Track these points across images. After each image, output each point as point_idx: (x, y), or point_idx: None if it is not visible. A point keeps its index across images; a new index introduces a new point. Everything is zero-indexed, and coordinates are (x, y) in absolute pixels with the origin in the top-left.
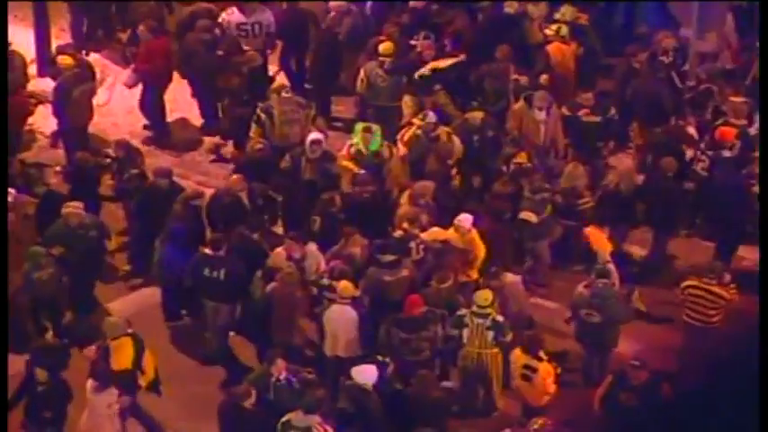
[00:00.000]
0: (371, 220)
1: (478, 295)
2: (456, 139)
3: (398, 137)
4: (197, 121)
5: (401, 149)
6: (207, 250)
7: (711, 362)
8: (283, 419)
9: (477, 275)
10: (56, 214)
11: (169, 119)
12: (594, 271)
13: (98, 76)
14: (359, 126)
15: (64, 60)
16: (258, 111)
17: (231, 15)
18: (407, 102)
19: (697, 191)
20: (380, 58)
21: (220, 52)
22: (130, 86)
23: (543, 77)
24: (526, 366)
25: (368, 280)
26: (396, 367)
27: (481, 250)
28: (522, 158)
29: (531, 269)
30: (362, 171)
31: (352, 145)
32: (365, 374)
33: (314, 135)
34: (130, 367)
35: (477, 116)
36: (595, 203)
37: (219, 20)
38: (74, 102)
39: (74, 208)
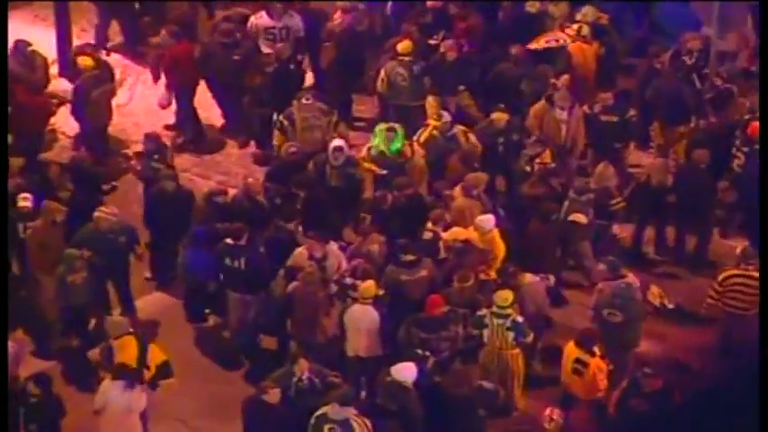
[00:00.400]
0: (410, 221)
1: (499, 295)
2: (473, 139)
3: (415, 138)
4: (218, 121)
5: (419, 150)
6: (228, 240)
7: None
8: (318, 413)
9: (497, 275)
10: (84, 220)
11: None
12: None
13: (118, 76)
14: (381, 126)
15: (84, 61)
16: (280, 117)
17: (260, 19)
18: (431, 102)
19: (733, 187)
20: (400, 58)
21: (236, 57)
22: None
23: (564, 78)
24: (578, 360)
25: (386, 278)
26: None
27: (501, 250)
28: (546, 158)
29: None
30: (385, 171)
31: (371, 147)
32: (405, 372)
33: (336, 142)
34: (135, 365)
35: (501, 118)
36: (626, 198)
37: (248, 24)
38: (92, 103)
39: (105, 212)
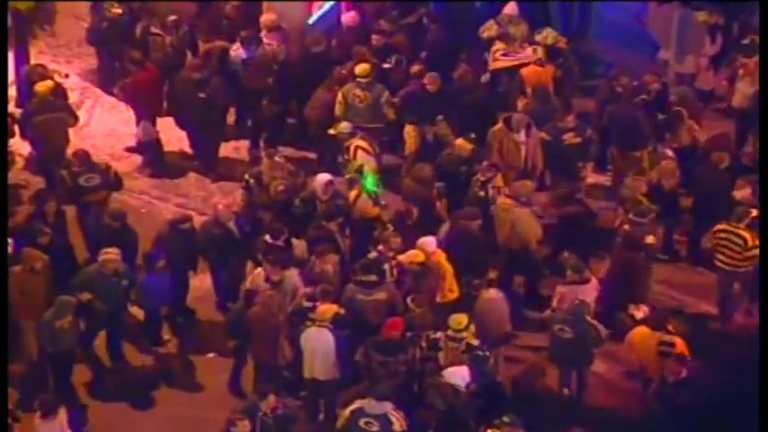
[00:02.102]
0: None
1: (453, 319)
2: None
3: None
4: (177, 144)
5: None
6: (267, 237)
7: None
8: (353, 407)
9: (457, 295)
10: (70, 263)
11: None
12: None
13: (76, 98)
14: (367, 168)
15: (41, 87)
16: (247, 176)
17: (236, 51)
18: (410, 131)
19: None
20: (358, 80)
21: (202, 95)
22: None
23: (521, 101)
24: (663, 343)
25: (344, 297)
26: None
27: (448, 272)
28: (498, 182)
29: None
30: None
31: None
32: (459, 376)
33: (325, 176)
34: None
35: (464, 146)
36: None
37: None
38: (39, 128)
39: (110, 254)
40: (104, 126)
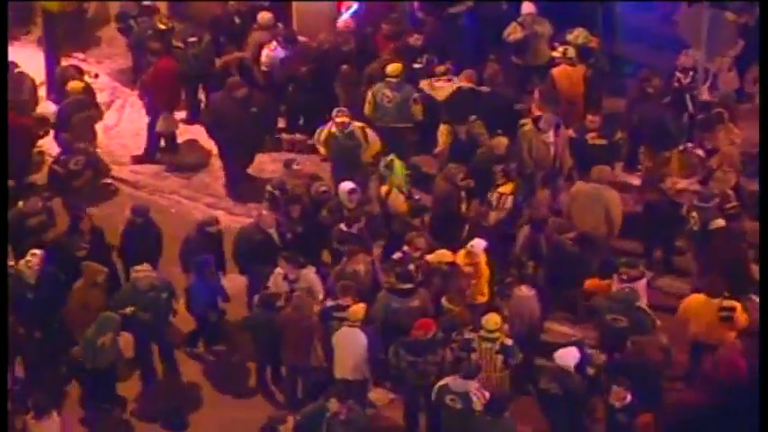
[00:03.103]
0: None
1: (487, 319)
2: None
3: (315, 138)
4: (206, 142)
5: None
6: (342, 226)
7: None
8: (440, 383)
9: (487, 298)
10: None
11: (180, 140)
12: None
13: (106, 98)
14: (396, 163)
15: (73, 86)
16: (269, 187)
17: (275, 50)
18: (443, 131)
19: None
20: (388, 79)
21: (254, 109)
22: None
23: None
24: (723, 309)
25: (377, 304)
26: None
27: (486, 274)
28: (506, 189)
29: None
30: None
31: (390, 185)
32: (567, 357)
33: (348, 184)
34: None
35: (501, 143)
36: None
37: (264, 56)
38: (74, 127)
39: (142, 271)
40: (133, 126)
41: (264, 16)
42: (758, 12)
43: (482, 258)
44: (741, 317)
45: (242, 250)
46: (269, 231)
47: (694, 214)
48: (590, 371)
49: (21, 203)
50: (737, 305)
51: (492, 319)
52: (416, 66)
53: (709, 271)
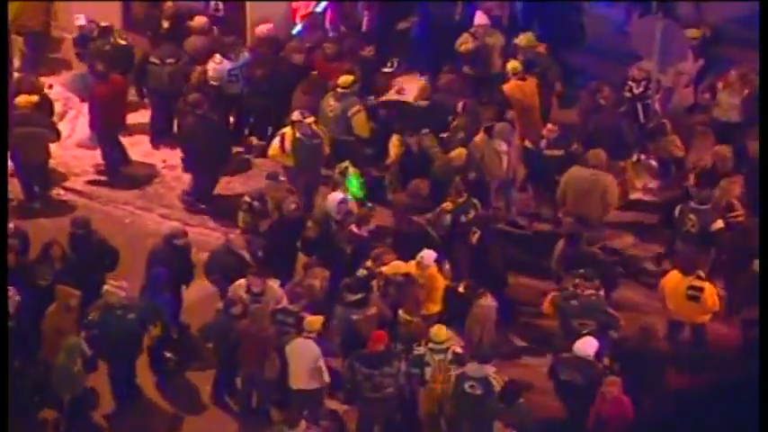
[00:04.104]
0: None
1: (435, 332)
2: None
3: (277, 144)
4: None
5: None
6: (353, 228)
7: None
8: (458, 371)
9: (465, 290)
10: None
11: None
12: None
13: (59, 109)
14: (350, 171)
15: (20, 100)
16: (247, 198)
17: (220, 64)
18: (394, 141)
19: None
20: (336, 89)
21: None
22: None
23: (510, 114)
24: (691, 287)
25: (337, 320)
26: None
27: (438, 285)
28: (447, 206)
29: None
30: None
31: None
32: (586, 346)
33: (337, 195)
34: None
35: (461, 154)
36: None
37: (210, 70)
38: (18, 141)
39: (114, 287)
40: (87, 137)
41: (199, 21)
42: (758, 10)
43: (433, 269)
44: (709, 298)
45: (214, 271)
46: (240, 252)
47: (692, 216)
48: (605, 360)
49: None
50: (706, 285)
51: (440, 331)
52: (386, 70)
53: (714, 271)
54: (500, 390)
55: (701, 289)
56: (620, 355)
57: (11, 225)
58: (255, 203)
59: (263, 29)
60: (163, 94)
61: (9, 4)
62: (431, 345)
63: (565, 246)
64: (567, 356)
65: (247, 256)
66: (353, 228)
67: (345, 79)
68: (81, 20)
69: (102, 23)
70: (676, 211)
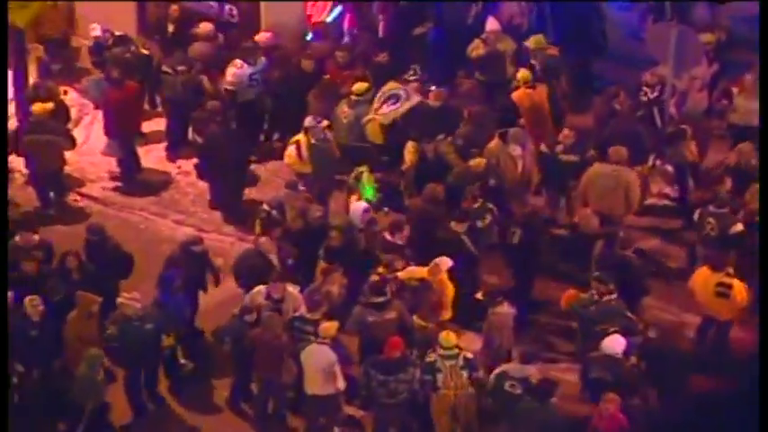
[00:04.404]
0: None
1: (442, 337)
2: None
3: (290, 152)
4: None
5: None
6: (386, 234)
7: None
8: (498, 371)
9: (483, 297)
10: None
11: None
12: None
13: (74, 115)
14: (365, 175)
15: (36, 108)
16: (265, 206)
17: (241, 69)
18: (409, 148)
19: None
20: (350, 96)
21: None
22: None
23: (521, 121)
24: (720, 284)
25: (353, 320)
26: None
27: (449, 291)
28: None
29: None
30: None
31: (359, 198)
32: (614, 344)
33: (361, 204)
34: None
35: (480, 164)
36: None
37: (229, 75)
38: (30, 147)
39: (128, 299)
40: (102, 143)
41: (205, 27)
42: (759, 8)
43: (443, 275)
44: (739, 295)
45: (242, 274)
46: (268, 256)
47: (711, 220)
48: (633, 359)
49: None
50: (735, 283)
51: (448, 336)
52: (409, 78)
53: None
54: (534, 387)
55: (729, 286)
56: (645, 354)
57: (35, 236)
58: (274, 212)
59: (262, 37)
60: (177, 103)
61: (22, 11)
62: (441, 351)
63: (603, 248)
64: (596, 355)
65: (275, 260)
66: (387, 235)
67: (360, 86)
68: (97, 30)
69: (117, 33)
70: (696, 215)
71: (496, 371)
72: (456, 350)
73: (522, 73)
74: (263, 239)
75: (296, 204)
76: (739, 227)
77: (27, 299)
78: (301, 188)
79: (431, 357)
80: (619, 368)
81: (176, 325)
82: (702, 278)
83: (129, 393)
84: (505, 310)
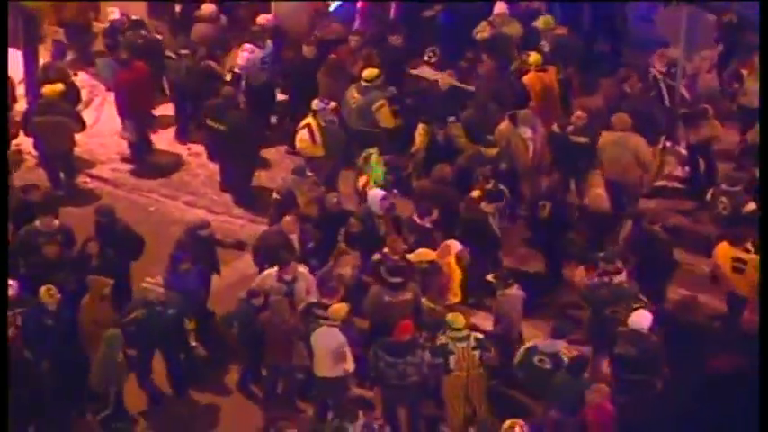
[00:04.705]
0: None
1: (451, 318)
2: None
3: (302, 138)
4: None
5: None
6: (414, 217)
7: None
8: (528, 345)
9: (459, 299)
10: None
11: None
12: None
13: (84, 97)
14: (374, 157)
15: (46, 89)
16: (276, 195)
17: (253, 53)
18: (420, 131)
19: None
20: (360, 82)
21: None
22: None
23: (531, 104)
24: (736, 259)
25: (369, 298)
26: None
27: (456, 275)
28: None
29: None
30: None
31: (368, 180)
32: (641, 319)
33: (379, 192)
34: None
35: (491, 151)
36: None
37: (243, 60)
38: (39, 129)
39: (151, 283)
40: (112, 124)
41: (208, 8)
42: (759, 9)
43: (452, 259)
44: (751, 272)
45: (260, 252)
46: (288, 237)
47: (724, 199)
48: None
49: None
50: (751, 258)
51: (457, 318)
52: (428, 59)
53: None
54: (568, 362)
55: (745, 261)
56: (666, 330)
57: (56, 222)
58: (283, 198)
59: (263, 19)
60: (182, 87)
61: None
62: (451, 333)
63: (633, 227)
64: (622, 330)
65: (296, 243)
66: (416, 218)
67: (370, 72)
68: (115, 13)
69: (134, 17)
70: (708, 195)
71: (526, 345)
72: (466, 331)
73: (534, 56)
74: (287, 218)
75: (305, 190)
76: (752, 206)
77: (43, 288)
78: (309, 174)
79: (442, 339)
80: (644, 343)
81: (192, 308)
82: (722, 252)
83: (141, 379)
84: (514, 292)
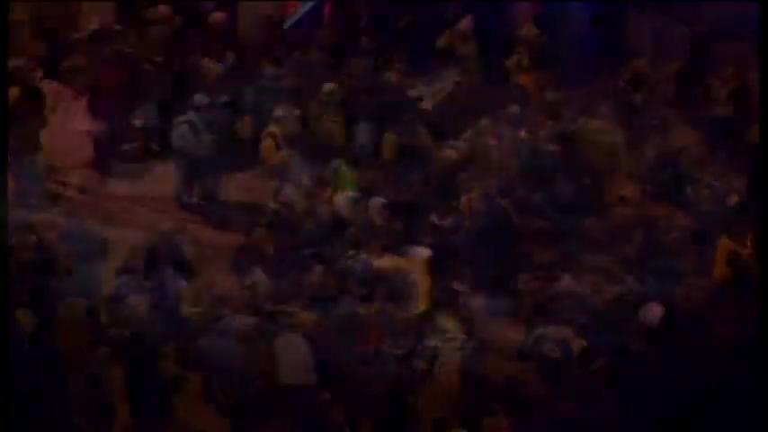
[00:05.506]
0: None
1: (442, 322)
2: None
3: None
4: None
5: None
6: (433, 218)
7: None
8: (537, 332)
9: (426, 306)
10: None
11: None
12: None
13: (50, 102)
14: (342, 169)
15: (12, 92)
16: (273, 204)
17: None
18: (388, 138)
19: None
20: (320, 98)
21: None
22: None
23: (513, 107)
24: (732, 252)
25: (341, 311)
26: None
27: (427, 282)
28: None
29: None
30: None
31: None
32: (651, 314)
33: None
34: None
35: (450, 155)
36: None
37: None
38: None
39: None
40: (80, 129)
41: (163, 10)
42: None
43: (420, 266)
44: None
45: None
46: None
47: (707, 192)
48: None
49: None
50: (745, 253)
51: (447, 322)
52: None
53: None
54: (579, 353)
55: (739, 255)
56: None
57: (33, 237)
58: (282, 209)
59: (215, 17)
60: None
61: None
62: (439, 336)
63: (645, 232)
64: (633, 323)
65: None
66: (434, 219)
67: (328, 87)
68: (95, 23)
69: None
70: (689, 189)
71: (535, 332)
72: (453, 334)
73: (521, 59)
74: (258, 228)
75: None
76: (736, 198)
77: (18, 311)
78: (306, 182)
79: (431, 343)
80: (652, 339)
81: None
82: (722, 246)
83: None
84: (479, 302)
